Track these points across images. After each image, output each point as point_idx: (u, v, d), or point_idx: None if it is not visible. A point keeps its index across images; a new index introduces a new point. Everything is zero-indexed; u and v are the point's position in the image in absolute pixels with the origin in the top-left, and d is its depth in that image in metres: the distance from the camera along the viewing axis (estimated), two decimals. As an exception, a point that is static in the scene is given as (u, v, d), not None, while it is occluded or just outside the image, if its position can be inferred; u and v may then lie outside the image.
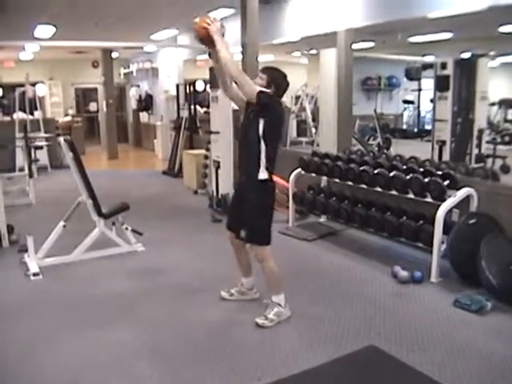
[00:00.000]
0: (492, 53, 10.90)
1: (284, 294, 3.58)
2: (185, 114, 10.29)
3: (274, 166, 3.47)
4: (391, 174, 4.85)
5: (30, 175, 7.56)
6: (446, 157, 7.39)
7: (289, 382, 2.85)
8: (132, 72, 15.39)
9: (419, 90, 13.56)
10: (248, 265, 3.85)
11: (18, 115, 10.37)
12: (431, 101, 9.14)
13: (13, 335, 3.44)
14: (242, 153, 3.60)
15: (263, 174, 3.40)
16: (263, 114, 3.36)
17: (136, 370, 3.00)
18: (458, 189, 4.41)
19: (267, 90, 3.38)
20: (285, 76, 3.54)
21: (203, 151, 8.14)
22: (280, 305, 3.55)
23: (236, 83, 3.40)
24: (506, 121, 11.59)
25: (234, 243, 3.79)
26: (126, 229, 5.14)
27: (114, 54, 13.14)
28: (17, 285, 4.35)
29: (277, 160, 3.51)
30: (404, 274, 4.26)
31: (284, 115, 3.59)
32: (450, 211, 4.39)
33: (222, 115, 6.73)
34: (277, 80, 3.47)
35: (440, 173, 4.62)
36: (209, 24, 3.34)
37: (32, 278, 4.41)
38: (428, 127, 12.32)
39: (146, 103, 14.44)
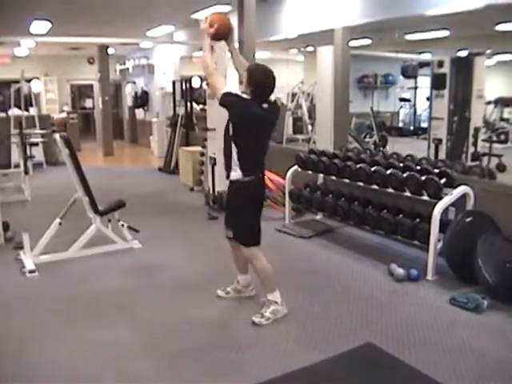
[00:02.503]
0: (489, 51, 10.91)
1: (279, 291, 3.58)
2: (181, 110, 10.27)
3: (253, 166, 3.46)
4: (388, 172, 4.85)
5: (26, 172, 7.52)
6: (442, 155, 7.40)
7: (286, 380, 2.85)
8: (128, 68, 15.34)
9: (416, 88, 13.55)
10: (244, 262, 3.84)
11: (13, 111, 10.31)
12: (427, 99, 9.16)
13: (9, 332, 3.43)
14: (223, 149, 3.58)
15: (235, 174, 3.43)
16: (229, 115, 3.40)
17: (133, 366, 3.00)
18: (455, 187, 4.42)
19: (235, 92, 3.33)
20: (266, 74, 3.38)
21: (199, 148, 8.12)
22: (276, 302, 3.55)
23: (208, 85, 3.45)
24: (501, 119, 11.59)
25: (231, 241, 3.78)
26: (122, 226, 5.13)
27: (110, 51, 13.08)
28: (13, 282, 4.33)
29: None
30: (400, 271, 4.27)
31: (265, 115, 3.40)
32: (446, 209, 4.39)
33: (218, 112, 6.70)
34: (255, 79, 3.33)
35: (436, 171, 4.63)
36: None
37: (28, 275, 4.40)
38: (424, 125, 12.32)
39: (142, 100, 14.40)
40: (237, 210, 3.53)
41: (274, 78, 3.39)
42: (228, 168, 3.49)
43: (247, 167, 3.42)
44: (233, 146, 3.40)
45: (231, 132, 3.39)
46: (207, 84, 3.44)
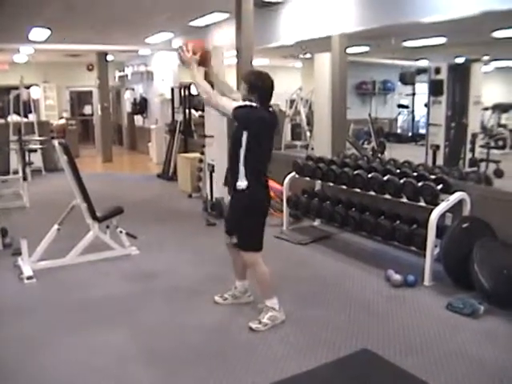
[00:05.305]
0: (486, 58, 10.96)
1: (277, 297, 3.59)
2: (179, 117, 10.30)
3: (260, 174, 3.47)
4: (385, 178, 4.87)
5: (24, 178, 7.55)
6: (440, 161, 7.42)
7: (282, 386, 2.86)
8: (127, 75, 15.38)
9: (413, 94, 13.60)
10: (243, 268, 3.85)
11: (13, 118, 10.35)
12: (425, 105, 9.18)
13: (7, 339, 3.43)
14: (229, 161, 3.57)
15: (242, 184, 3.40)
16: (243, 125, 3.38)
17: (131, 373, 3.01)
18: (452, 193, 4.44)
19: (244, 103, 3.37)
20: (264, 76, 3.48)
21: (198, 155, 8.14)
22: (274, 309, 3.55)
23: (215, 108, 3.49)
24: (499, 125, 11.61)
25: (231, 247, 3.79)
26: (121, 232, 5.14)
27: (109, 57, 13.13)
28: (10, 288, 4.33)
29: (271, 163, 3.55)
30: (397, 277, 4.28)
31: (272, 120, 3.50)
32: (443, 215, 4.41)
33: (216, 119, 6.73)
34: (255, 84, 3.42)
35: (433, 177, 4.66)
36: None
37: (26, 281, 4.40)
38: (422, 131, 12.33)
39: (141, 106, 14.41)
40: (244, 216, 3.49)
41: (272, 80, 3.49)
42: (234, 179, 3.44)
43: (255, 175, 3.43)
44: (241, 156, 3.38)
45: (244, 142, 3.35)
46: (215, 108, 3.46)
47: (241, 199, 3.47)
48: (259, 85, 3.42)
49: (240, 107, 3.36)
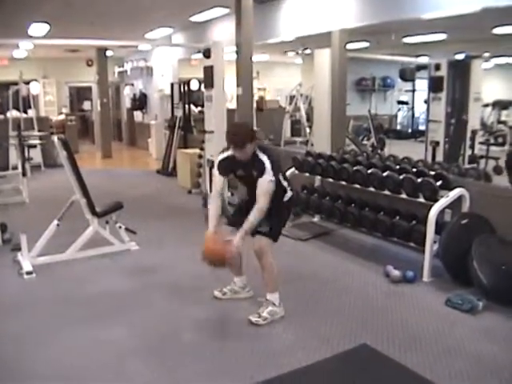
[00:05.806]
0: (486, 54, 10.95)
1: (279, 293, 3.60)
2: (179, 113, 10.28)
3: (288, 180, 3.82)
4: (384, 174, 4.87)
5: (24, 174, 7.54)
6: (440, 157, 7.42)
7: (281, 381, 2.86)
8: (126, 71, 15.36)
9: (413, 90, 13.60)
10: (239, 265, 3.86)
11: (12, 113, 10.34)
12: (425, 102, 9.18)
13: (7, 334, 3.44)
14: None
15: (287, 196, 3.72)
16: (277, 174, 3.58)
17: (130, 368, 3.02)
18: (451, 189, 4.44)
19: (265, 169, 3.44)
20: (244, 123, 3.90)
21: (197, 150, 8.14)
22: (274, 304, 3.57)
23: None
24: (499, 122, 11.58)
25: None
26: (120, 227, 5.14)
27: (109, 53, 13.10)
28: (10, 283, 4.34)
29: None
30: (396, 273, 4.28)
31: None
32: (442, 211, 4.41)
33: (216, 114, 6.74)
34: (249, 135, 3.48)
35: (433, 173, 4.66)
36: (226, 251, 3.39)
37: (25, 276, 4.40)
38: (422, 128, 12.35)
39: (141, 102, 14.40)
40: (279, 211, 3.67)
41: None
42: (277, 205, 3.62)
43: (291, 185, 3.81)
44: (287, 188, 3.71)
45: (283, 180, 3.69)
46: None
47: (287, 205, 3.77)
48: (251, 132, 3.54)
49: (271, 179, 3.43)
